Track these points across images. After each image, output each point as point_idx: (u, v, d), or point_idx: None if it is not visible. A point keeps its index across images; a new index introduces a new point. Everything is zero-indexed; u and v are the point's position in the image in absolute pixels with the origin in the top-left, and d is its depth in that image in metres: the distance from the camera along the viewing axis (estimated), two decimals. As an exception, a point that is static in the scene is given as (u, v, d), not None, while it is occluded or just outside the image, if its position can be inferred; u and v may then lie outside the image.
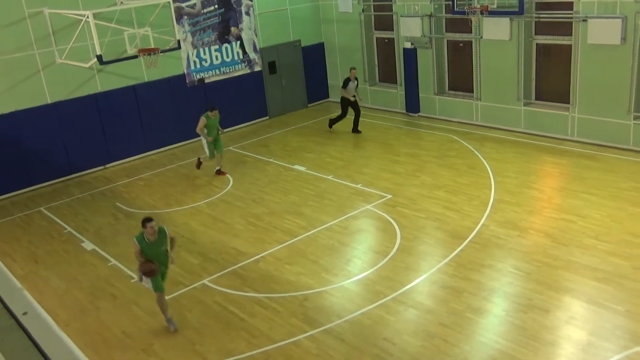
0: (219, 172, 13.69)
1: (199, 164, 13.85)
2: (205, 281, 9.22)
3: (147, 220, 7.74)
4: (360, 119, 16.01)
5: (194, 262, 9.83)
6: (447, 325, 7.58)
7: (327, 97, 19.83)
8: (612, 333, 7.16)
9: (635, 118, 13.07)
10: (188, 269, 9.59)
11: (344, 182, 12.55)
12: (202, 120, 12.98)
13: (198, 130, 13.05)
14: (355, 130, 16.05)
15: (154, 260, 7.80)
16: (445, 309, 7.95)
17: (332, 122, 16.30)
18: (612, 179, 11.51)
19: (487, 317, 7.82)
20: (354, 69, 15.90)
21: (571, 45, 13.78)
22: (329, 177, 12.93)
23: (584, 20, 13.20)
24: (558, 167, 12.61)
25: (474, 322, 7.67)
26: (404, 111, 17.38)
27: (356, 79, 15.81)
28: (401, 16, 16.73)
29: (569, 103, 14.18)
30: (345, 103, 15.86)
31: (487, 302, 8.10)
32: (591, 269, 8.49)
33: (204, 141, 13.28)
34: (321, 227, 10.61)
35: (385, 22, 17.82)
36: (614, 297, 7.82)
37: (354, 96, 15.79)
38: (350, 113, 15.97)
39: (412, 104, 17.14)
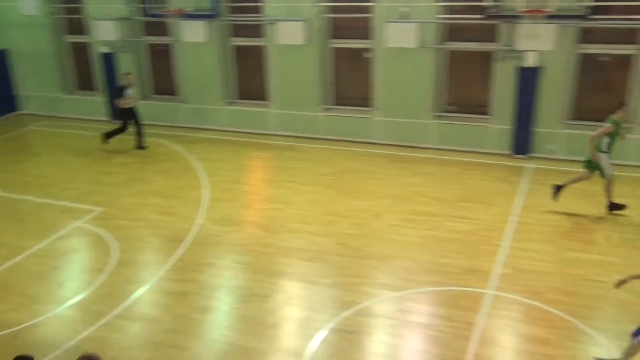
0: None
1: None
2: None
3: None
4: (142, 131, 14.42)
5: None
6: (174, 331, 7.51)
7: (17, 109, 17.87)
8: (324, 305, 7.92)
9: (325, 110, 14.63)
10: None
11: (49, 201, 11.48)
12: None
13: None
14: (140, 146, 14.33)
15: None
16: (171, 314, 7.86)
17: (109, 135, 14.31)
18: (310, 166, 12.75)
19: (213, 314, 7.97)
20: (130, 74, 14.44)
21: (265, 46, 14.79)
22: (29, 198, 11.68)
23: (272, 23, 14.25)
24: (264, 161, 13.48)
25: (202, 322, 7.75)
26: (108, 119, 16.60)
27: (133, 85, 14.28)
28: (94, 19, 15.91)
29: (268, 100, 15.21)
30: (126, 114, 14.13)
31: (212, 299, 8.26)
32: (300, 251, 9.27)
33: None
34: (26, 254, 9.53)
35: (78, 25, 16.75)
36: (321, 272, 8.67)
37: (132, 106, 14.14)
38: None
39: (116, 111, 16.46)
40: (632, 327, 7.02)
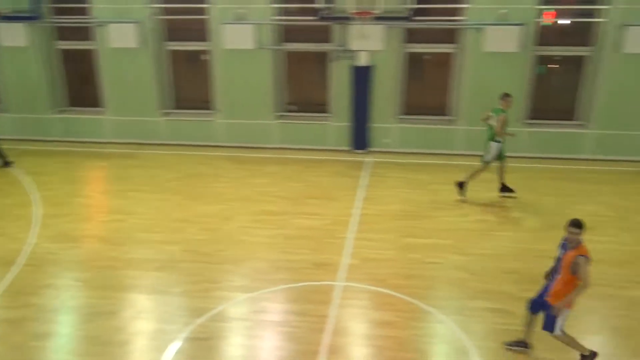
0: None
1: None
2: None
3: None
4: None
5: None
6: (10, 363, 6.86)
7: None
8: (176, 314, 7.69)
9: (164, 115, 14.21)
10: None
11: None
12: None
13: None
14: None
15: None
16: (5, 345, 7.15)
17: None
18: (154, 173, 12.32)
19: (54, 338, 7.38)
20: None
21: (96, 49, 13.99)
22: None
23: (101, 25, 13.51)
24: (102, 171, 12.78)
25: (42, 349, 7.14)
26: None
27: None
28: None
29: (103, 107, 14.43)
30: None
31: (52, 323, 7.65)
32: (149, 261, 8.91)
33: None
34: None
35: None
36: (171, 281, 8.41)
37: None
38: None
39: None
40: (469, 302, 7.72)
